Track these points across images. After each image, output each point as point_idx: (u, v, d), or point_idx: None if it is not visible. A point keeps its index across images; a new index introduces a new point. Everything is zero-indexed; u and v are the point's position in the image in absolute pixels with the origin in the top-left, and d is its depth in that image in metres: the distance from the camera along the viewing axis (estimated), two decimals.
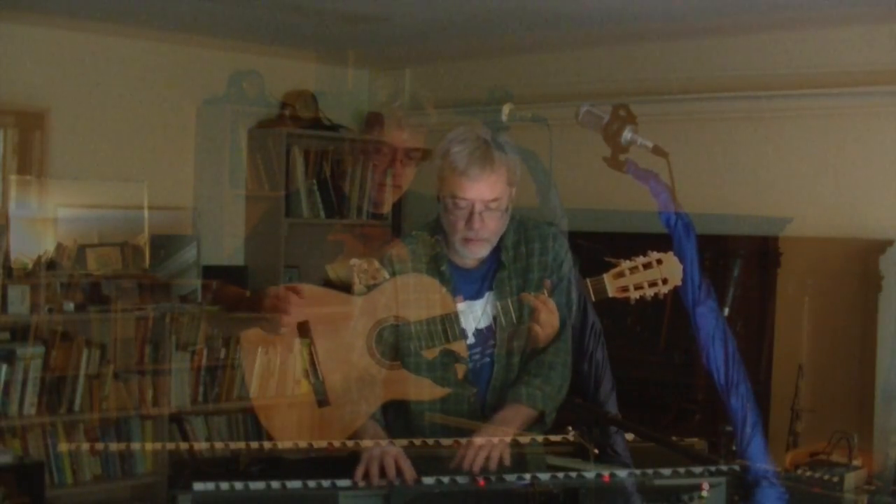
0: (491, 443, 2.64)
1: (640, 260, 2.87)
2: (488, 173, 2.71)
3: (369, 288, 2.83)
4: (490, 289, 2.83)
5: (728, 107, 4.96)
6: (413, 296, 2.84)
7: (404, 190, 4.07)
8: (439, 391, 2.82)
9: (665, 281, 2.86)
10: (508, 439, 2.68)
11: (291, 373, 5.48)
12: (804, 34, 4.75)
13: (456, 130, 2.80)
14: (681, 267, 2.87)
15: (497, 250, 2.83)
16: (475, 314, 2.84)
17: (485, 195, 2.72)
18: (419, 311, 2.82)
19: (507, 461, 2.63)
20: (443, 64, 6.09)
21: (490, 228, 2.76)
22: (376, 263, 2.85)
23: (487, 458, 2.60)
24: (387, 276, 2.85)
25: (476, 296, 2.84)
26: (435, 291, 2.82)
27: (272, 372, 5.44)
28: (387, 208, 4.52)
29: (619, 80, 5.30)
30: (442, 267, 2.82)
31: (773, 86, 4.80)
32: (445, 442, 2.72)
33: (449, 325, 2.81)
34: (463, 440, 2.68)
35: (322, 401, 2.84)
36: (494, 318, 2.83)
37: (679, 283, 2.88)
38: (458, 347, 2.82)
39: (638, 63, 5.30)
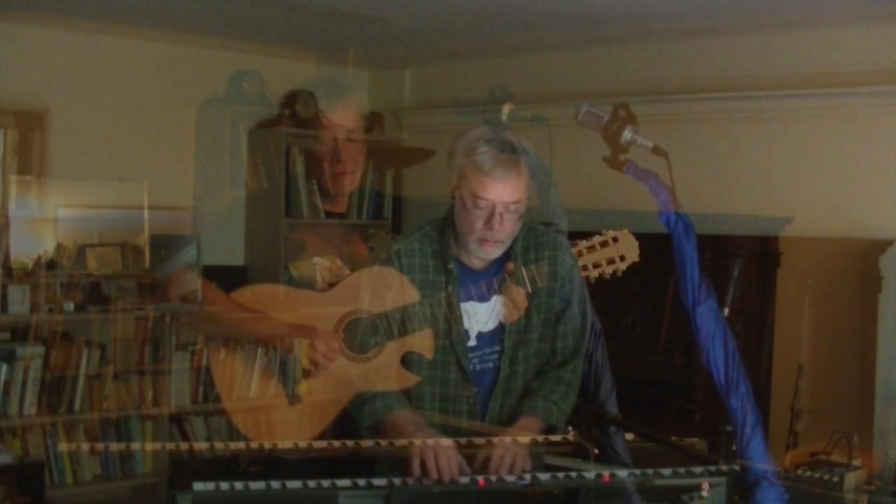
0: (514, 448, 2.66)
1: (597, 239, 2.97)
2: (514, 176, 2.72)
3: (332, 285, 2.84)
4: (497, 292, 2.83)
5: (728, 107, 4.96)
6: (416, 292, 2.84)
7: (359, 175, 4.02)
8: (412, 381, 2.81)
9: (622, 258, 2.95)
10: (508, 439, 2.69)
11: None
12: (804, 34, 4.75)
13: (479, 129, 2.80)
14: (636, 243, 2.95)
15: (506, 255, 2.83)
16: (480, 316, 2.84)
17: (507, 197, 2.72)
18: (422, 309, 2.81)
19: (527, 467, 2.65)
20: (443, 64, 6.09)
21: (507, 230, 2.76)
22: (338, 261, 2.88)
23: (513, 463, 2.63)
24: (349, 273, 2.86)
25: (482, 298, 2.83)
26: (439, 290, 2.81)
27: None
28: (344, 201, 4.44)
29: (619, 80, 5.30)
30: (449, 265, 2.81)
31: (773, 86, 4.79)
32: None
33: (450, 323, 2.81)
34: (463, 441, 2.69)
35: (293, 399, 2.86)
36: (500, 322, 2.83)
37: (636, 258, 2.97)
38: (459, 347, 2.82)
39: (638, 63, 5.30)
